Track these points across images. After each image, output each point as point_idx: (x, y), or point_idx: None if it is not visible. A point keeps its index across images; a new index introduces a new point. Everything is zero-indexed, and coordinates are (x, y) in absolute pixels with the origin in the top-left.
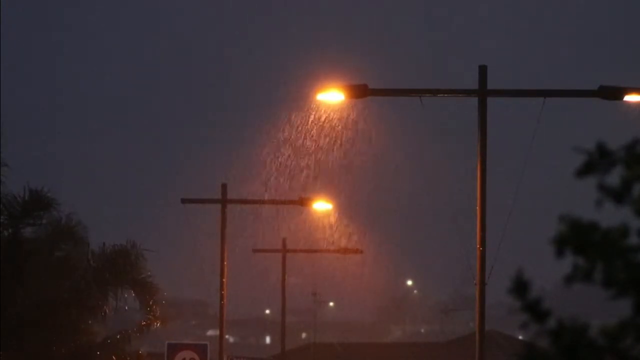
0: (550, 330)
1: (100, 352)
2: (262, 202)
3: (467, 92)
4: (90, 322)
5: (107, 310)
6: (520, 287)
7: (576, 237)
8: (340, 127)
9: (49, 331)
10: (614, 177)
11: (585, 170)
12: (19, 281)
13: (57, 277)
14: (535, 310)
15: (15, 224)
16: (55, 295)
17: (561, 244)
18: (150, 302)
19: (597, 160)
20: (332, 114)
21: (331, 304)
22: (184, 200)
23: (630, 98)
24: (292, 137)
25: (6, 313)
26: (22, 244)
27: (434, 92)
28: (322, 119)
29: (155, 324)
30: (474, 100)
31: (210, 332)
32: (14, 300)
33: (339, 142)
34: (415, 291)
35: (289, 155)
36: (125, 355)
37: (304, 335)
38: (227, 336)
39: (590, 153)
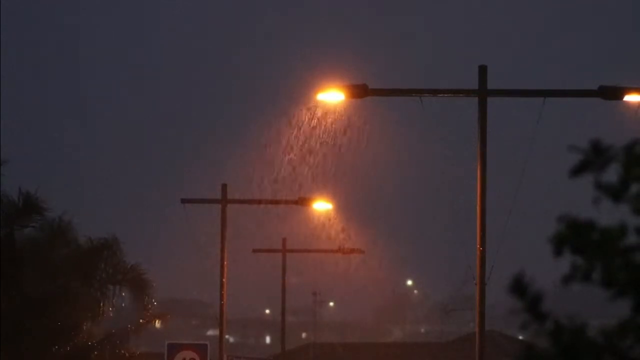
0: (549, 331)
1: (98, 351)
2: (262, 202)
3: (467, 92)
4: (86, 321)
5: (103, 307)
6: (519, 288)
7: (574, 237)
8: (340, 127)
9: (45, 331)
10: (611, 175)
11: (580, 169)
12: (14, 282)
13: (51, 277)
14: (535, 311)
15: (9, 225)
16: (50, 295)
17: (559, 244)
18: (144, 298)
19: (593, 159)
20: (331, 113)
21: (331, 304)
22: (184, 200)
23: (630, 98)
24: (292, 136)
25: (3, 312)
26: (18, 244)
27: (434, 92)
28: (322, 118)
29: (154, 322)
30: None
31: (210, 332)
32: (11, 301)
33: (339, 142)
34: (415, 291)
35: (289, 155)
36: (123, 355)
37: (304, 335)
38: (227, 336)
39: (586, 152)
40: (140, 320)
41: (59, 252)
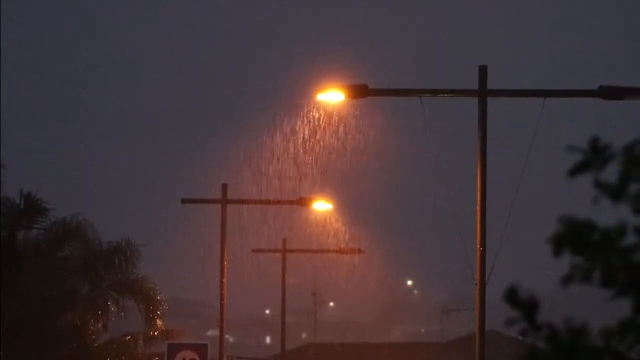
0: (547, 337)
1: (103, 354)
2: (262, 202)
3: (467, 92)
4: (90, 324)
5: (109, 314)
6: (514, 299)
7: (574, 237)
8: (339, 127)
9: (47, 332)
10: (610, 174)
11: (579, 168)
12: (17, 282)
13: (56, 279)
14: (530, 321)
15: (11, 225)
16: (53, 297)
17: (558, 244)
18: (154, 315)
19: (592, 158)
20: (331, 114)
21: (331, 304)
22: (184, 200)
23: (631, 98)
24: (292, 137)
25: (5, 314)
26: (21, 245)
27: (434, 92)
28: (322, 119)
29: (160, 337)
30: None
31: (210, 332)
32: (13, 302)
33: (338, 142)
34: (415, 291)
35: (289, 156)
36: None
37: (304, 335)
38: (227, 336)
39: (584, 151)
40: (148, 335)
41: (63, 253)
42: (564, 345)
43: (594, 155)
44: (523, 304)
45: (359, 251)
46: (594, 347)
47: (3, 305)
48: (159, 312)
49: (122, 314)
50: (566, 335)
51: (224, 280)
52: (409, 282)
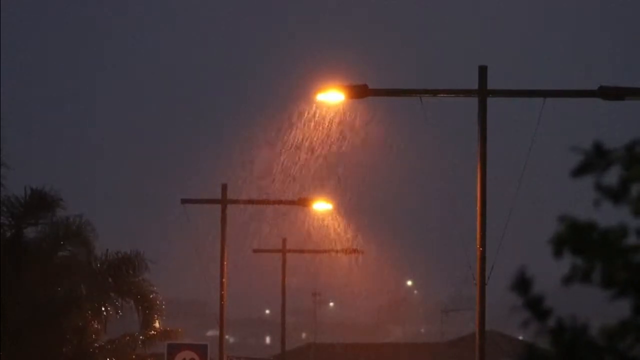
0: (551, 329)
1: (102, 355)
2: (262, 202)
3: (467, 92)
4: (91, 325)
5: (108, 315)
6: (521, 284)
7: (575, 238)
8: (339, 127)
9: (49, 333)
10: (612, 177)
11: (582, 170)
12: (19, 282)
13: (59, 279)
14: (537, 308)
15: (17, 224)
16: (56, 297)
17: (559, 244)
18: (152, 319)
19: (595, 160)
20: (331, 114)
21: (331, 304)
22: (183, 201)
23: (631, 98)
24: (292, 137)
25: (7, 314)
26: (24, 244)
27: (434, 92)
28: (322, 119)
29: (159, 336)
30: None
31: (210, 333)
32: (15, 302)
33: (338, 142)
34: (415, 291)
35: (288, 156)
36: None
37: (304, 335)
38: (227, 336)
39: (588, 152)
40: (144, 337)
41: (64, 253)
42: (567, 341)
43: (598, 158)
44: (530, 289)
45: (359, 251)
46: (596, 344)
47: (5, 305)
48: (157, 315)
49: (120, 313)
50: (570, 331)
51: (224, 280)
52: (409, 282)
